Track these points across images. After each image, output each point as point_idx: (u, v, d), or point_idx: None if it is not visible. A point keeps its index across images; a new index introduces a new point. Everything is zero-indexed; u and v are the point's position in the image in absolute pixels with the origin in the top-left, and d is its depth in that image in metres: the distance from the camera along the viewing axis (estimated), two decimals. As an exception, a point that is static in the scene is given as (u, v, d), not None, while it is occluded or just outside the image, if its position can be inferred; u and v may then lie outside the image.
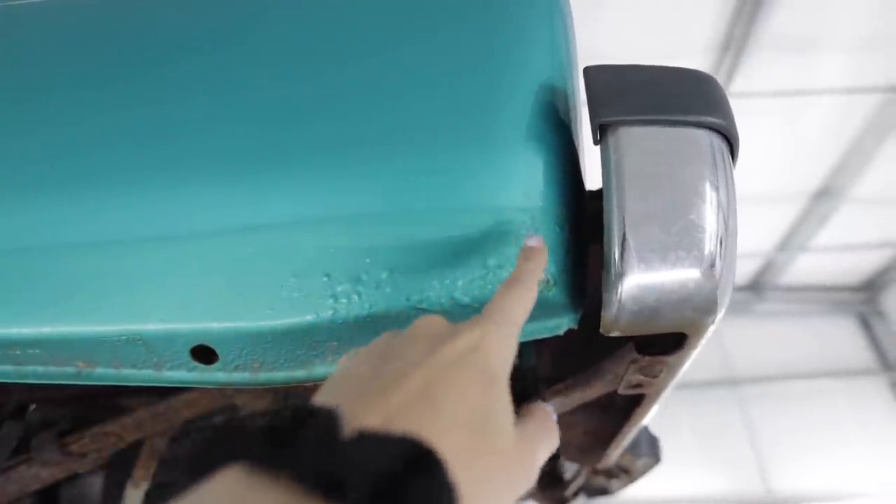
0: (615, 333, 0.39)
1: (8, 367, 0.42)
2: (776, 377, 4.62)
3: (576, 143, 0.45)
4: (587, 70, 0.41)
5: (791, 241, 4.46)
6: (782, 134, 3.36)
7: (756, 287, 4.99)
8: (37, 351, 0.41)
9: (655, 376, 0.46)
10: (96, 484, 1.12)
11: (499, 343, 0.26)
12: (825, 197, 3.96)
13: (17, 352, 0.41)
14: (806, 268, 4.79)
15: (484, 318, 0.27)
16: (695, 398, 4.22)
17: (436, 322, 0.28)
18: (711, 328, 0.41)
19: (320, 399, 0.22)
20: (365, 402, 0.20)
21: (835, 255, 4.62)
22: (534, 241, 0.36)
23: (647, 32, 2.82)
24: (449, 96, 0.41)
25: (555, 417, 0.30)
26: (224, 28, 0.45)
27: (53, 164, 0.41)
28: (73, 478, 0.85)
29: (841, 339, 4.90)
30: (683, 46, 3.03)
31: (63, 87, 0.44)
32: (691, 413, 4.15)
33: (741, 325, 4.60)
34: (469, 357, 0.24)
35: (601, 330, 0.39)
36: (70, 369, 0.43)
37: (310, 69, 0.43)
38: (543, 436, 0.27)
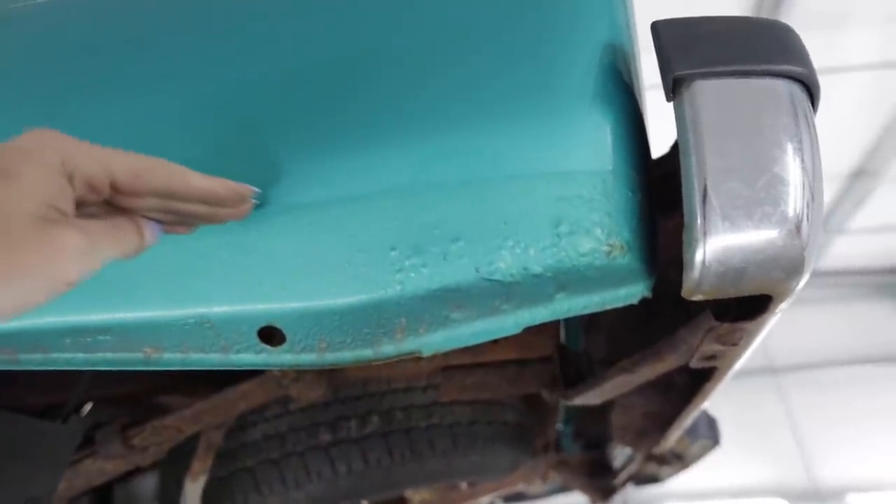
0: (697, 297, 0.37)
1: (79, 355, 0.43)
2: (817, 364, 4.47)
3: (640, 106, 0.44)
4: (655, 25, 0.39)
5: (827, 225, 4.30)
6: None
7: (791, 272, 4.83)
8: (106, 337, 0.42)
9: (734, 344, 0.44)
10: (148, 483, 1.15)
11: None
12: (861, 177, 3.81)
13: (88, 339, 0.42)
14: (844, 251, 4.62)
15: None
16: (732, 387, 4.10)
17: None
18: (798, 289, 0.39)
19: None
20: None
21: (874, 237, 4.45)
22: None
23: (672, 15, 2.76)
24: (515, 66, 0.39)
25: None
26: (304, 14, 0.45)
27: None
28: (126, 477, 0.86)
29: (884, 323, 4.71)
30: (707, 27, 2.95)
31: (151, 78, 0.44)
32: (729, 402, 4.04)
33: (777, 312, 4.46)
34: None
35: (682, 293, 0.37)
36: (138, 355, 0.43)
37: (375, 45, 0.42)
38: None
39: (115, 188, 0.29)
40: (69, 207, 0.27)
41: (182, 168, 0.31)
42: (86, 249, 0.27)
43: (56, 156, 0.27)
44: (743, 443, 4.06)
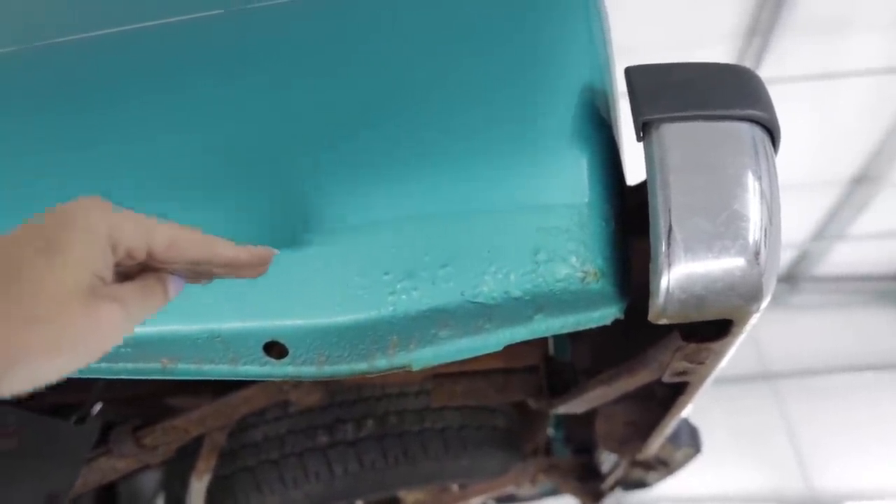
0: (663, 321, 0.41)
1: (102, 365, 0.47)
2: (815, 371, 4.48)
3: (616, 140, 0.47)
4: (629, 70, 0.42)
5: (828, 230, 4.31)
6: (816, 119, 3.26)
7: (791, 278, 4.84)
8: (127, 349, 0.46)
9: (701, 363, 0.48)
10: (150, 479, 1.19)
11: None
12: (863, 182, 3.81)
13: (110, 351, 0.46)
14: (844, 257, 4.62)
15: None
16: (729, 393, 4.12)
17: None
18: (757, 315, 0.42)
19: None
20: None
21: (875, 243, 4.44)
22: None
23: (670, 20, 2.78)
24: (496, 101, 0.43)
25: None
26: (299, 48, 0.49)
27: (142, 176, 0.45)
28: (130, 474, 0.90)
29: (884, 330, 4.71)
30: (707, 34, 2.97)
31: (130, 112, 0.48)
32: (726, 409, 4.06)
33: (776, 318, 4.47)
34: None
35: (650, 318, 0.41)
36: (156, 365, 0.47)
37: (358, 82, 0.46)
38: None
39: (150, 255, 0.30)
40: (109, 275, 0.28)
41: (213, 238, 0.32)
42: (124, 320, 0.28)
43: (103, 226, 0.27)
44: (740, 449, 4.07)
